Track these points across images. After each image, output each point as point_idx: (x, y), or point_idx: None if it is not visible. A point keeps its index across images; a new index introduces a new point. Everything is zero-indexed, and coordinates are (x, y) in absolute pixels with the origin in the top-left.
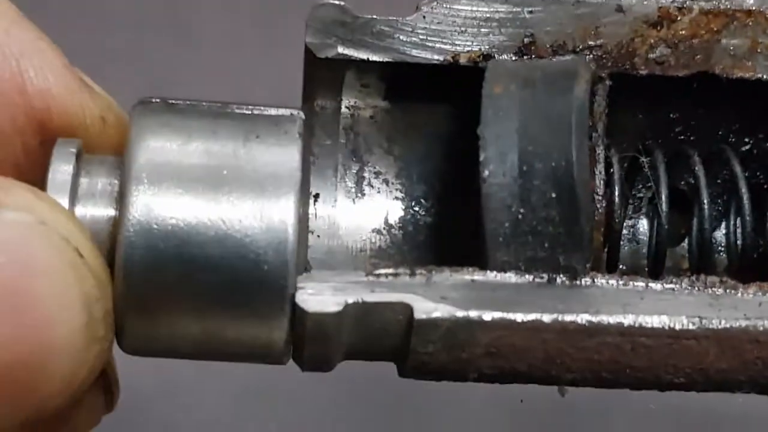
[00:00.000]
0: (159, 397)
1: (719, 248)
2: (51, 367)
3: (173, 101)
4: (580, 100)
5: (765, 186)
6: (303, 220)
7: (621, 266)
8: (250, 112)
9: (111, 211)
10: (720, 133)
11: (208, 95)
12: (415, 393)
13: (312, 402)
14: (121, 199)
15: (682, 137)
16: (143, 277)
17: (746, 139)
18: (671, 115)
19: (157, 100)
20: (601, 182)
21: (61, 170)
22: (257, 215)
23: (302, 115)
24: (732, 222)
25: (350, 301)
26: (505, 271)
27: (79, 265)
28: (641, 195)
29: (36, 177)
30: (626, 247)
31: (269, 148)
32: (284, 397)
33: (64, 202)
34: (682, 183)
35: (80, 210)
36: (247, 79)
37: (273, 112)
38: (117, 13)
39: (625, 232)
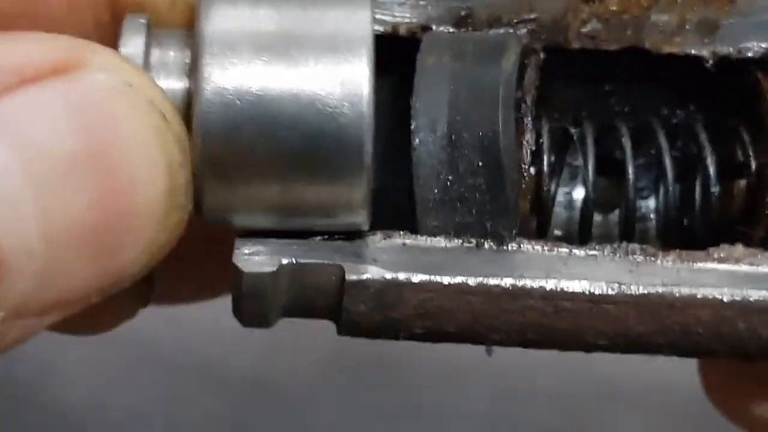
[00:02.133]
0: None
1: (651, 216)
2: (133, 231)
3: None
4: (507, 73)
5: (696, 156)
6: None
7: (557, 232)
8: None
9: (185, 82)
10: (654, 105)
11: None
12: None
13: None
14: (194, 69)
15: (617, 109)
16: (221, 141)
17: (678, 111)
18: (606, 88)
19: None
20: (529, 152)
21: (132, 42)
22: (331, 71)
23: None
24: (661, 191)
25: (284, 261)
26: (435, 236)
27: (164, 130)
28: (577, 163)
29: None
30: (564, 215)
31: (341, 9)
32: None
33: None
34: (618, 152)
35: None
36: None
37: None
38: None
39: (561, 199)
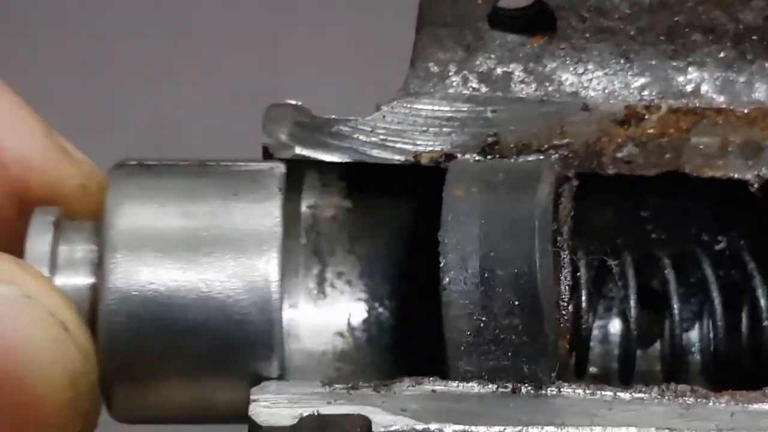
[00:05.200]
0: None
1: (692, 349)
2: None
3: (150, 162)
4: (543, 203)
5: (739, 285)
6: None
7: (592, 369)
8: (228, 169)
9: (92, 279)
10: (692, 231)
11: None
12: None
13: None
14: (99, 267)
15: (654, 236)
16: (126, 346)
17: (719, 238)
18: (642, 214)
19: (134, 163)
20: (567, 288)
21: (39, 240)
22: (239, 275)
23: (282, 168)
24: (705, 324)
25: (305, 413)
26: (468, 381)
27: (64, 340)
28: (612, 295)
29: (15, 249)
30: (597, 348)
31: (248, 205)
32: None
33: (44, 272)
34: (655, 282)
35: (60, 279)
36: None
37: (253, 166)
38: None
39: (595, 332)
